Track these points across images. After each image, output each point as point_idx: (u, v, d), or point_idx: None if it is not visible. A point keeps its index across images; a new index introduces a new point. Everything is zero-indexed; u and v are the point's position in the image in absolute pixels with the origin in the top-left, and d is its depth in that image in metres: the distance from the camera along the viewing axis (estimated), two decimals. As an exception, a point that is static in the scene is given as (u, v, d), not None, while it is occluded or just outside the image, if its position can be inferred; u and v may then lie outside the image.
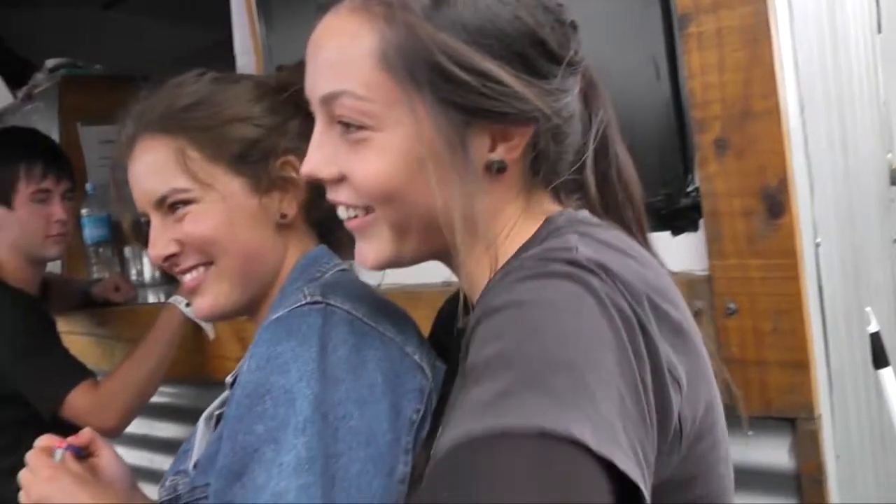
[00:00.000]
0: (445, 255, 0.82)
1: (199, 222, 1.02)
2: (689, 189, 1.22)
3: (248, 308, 1.08)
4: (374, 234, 0.81)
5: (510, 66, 0.74)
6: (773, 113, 1.08)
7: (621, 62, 1.26)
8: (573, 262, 0.67)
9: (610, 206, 0.87)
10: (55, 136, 2.69)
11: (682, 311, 0.73)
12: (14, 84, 2.93)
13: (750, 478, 1.20)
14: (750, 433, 1.21)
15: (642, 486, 0.57)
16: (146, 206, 1.05)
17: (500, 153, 0.77)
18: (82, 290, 2.43)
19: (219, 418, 1.09)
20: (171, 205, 1.03)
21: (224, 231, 1.02)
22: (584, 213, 0.82)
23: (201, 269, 1.04)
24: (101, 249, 2.60)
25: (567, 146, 0.81)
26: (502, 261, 0.77)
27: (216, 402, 1.13)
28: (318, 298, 0.93)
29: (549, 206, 0.83)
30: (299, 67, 1.05)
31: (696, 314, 1.21)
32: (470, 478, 0.54)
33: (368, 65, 0.74)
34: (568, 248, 0.70)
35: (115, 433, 1.89)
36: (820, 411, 1.13)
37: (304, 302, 0.92)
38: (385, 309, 0.98)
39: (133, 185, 1.07)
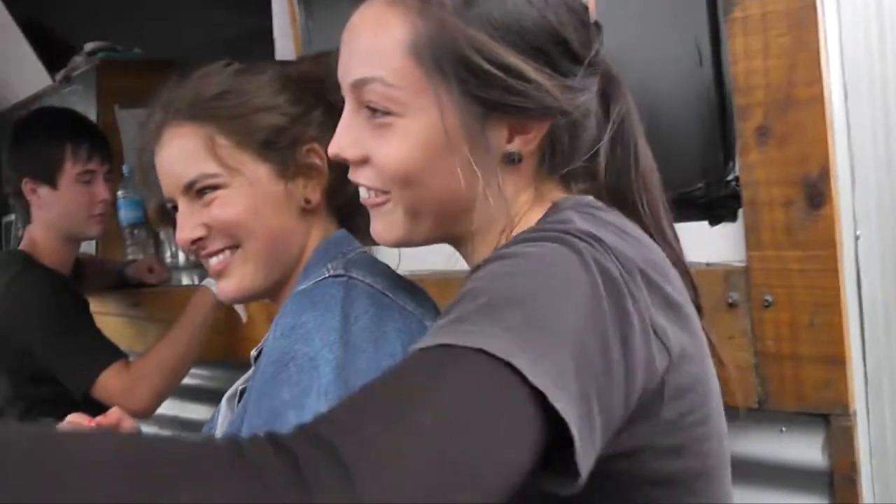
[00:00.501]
0: (456, 240, 0.87)
1: (227, 206, 1.05)
2: (729, 178, 1.19)
3: (272, 290, 1.11)
4: (387, 214, 0.84)
5: (534, 62, 0.77)
6: (817, 100, 1.05)
7: (664, 46, 1.24)
8: (566, 231, 0.71)
9: (626, 196, 0.89)
10: (93, 118, 2.72)
11: (677, 290, 0.76)
12: (53, 67, 2.96)
13: (782, 474, 1.18)
14: (783, 429, 1.19)
15: (573, 427, 0.58)
16: (174, 190, 1.09)
17: (516, 145, 0.81)
18: (116, 271, 2.45)
19: (242, 394, 1.12)
20: (199, 190, 1.06)
21: (251, 215, 1.06)
22: (589, 198, 0.84)
23: (227, 252, 1.07)
24: (135, 231, 2.63)
25: (581, 140, 0.84)
26: None
27: (241, 380, 1.16)
28: (341, 272, 0.98)
29: (558, 194, 0.86)
30: (319, 59, 1.11)
31: (731, 306, 1.19)
32: (404, 376, 0.59)
33: (399, 54, 0.78)
34: (564, 221, 0.74)
35: (145, 414, 1.90)
36: (855, 408, 1.10)
37: (327, 275, 0.97)
38: (404, 285, 1.03)
39: (161, 170, 1.10)
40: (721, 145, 1.19)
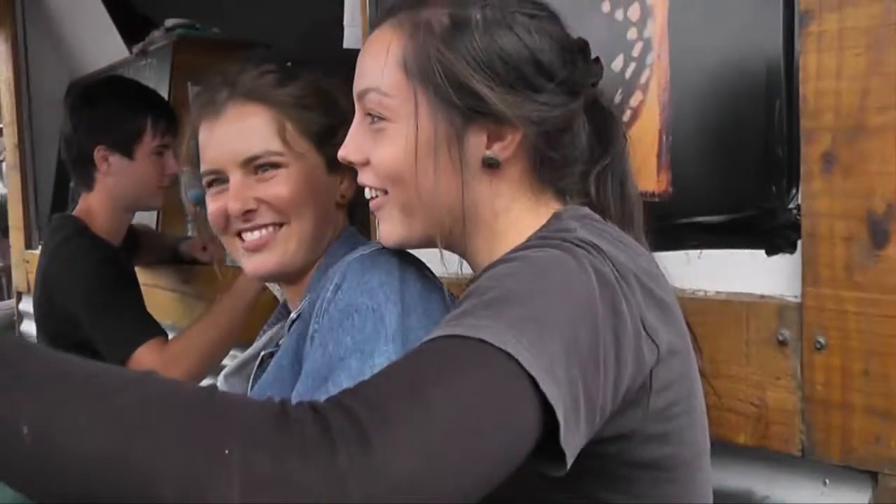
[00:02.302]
0: (454, 243, 0.96)
1: (287, 185, 1.15)
2: (791, 206, 1.11)
3: (299, 273, 1.19)
4: (386, 214, 0.96)
5: (502, 79, 0.88)
6: (889, 129, 0.96)
7: (734, 57, 1.15)
8: (567, 239, 0.81)
9: (613, 217, 0.98)
10: (165, 93, 2.74)
11: (666, 292, 0.85)
12: (131, 40, 2.99)
13: (821, 531, 1.09)
14: (826, 482, 1.10)
15: (558, 409, 0.65)
16: (228, 163, 1.16)
17: (494, 151, 0.91)
18: (172, 246, 2.46)
19: (267, 357, 1.20)
20: (259, 165, 1.15)
21: (304, 197, 1.16)
22: (587, 210, 0.94)
23: (270, 228, 1.16)
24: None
25: (565, 153, 0.94)
26: (511, 246, 0.87)
27: (259, 344, 1.26)
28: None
29: (556, 206, 0.95)
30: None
31: (782, 344, 1.11)
32: (420, 361, 0.66)
33: (393, 68, 0.91)
34: (566, 229, 0.85)
35: None
36: (907, 468, 1.01)
37: (382, 247, 1.04)
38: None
39: (216, 143, 1.18)
40: (786, 169, 1.10)
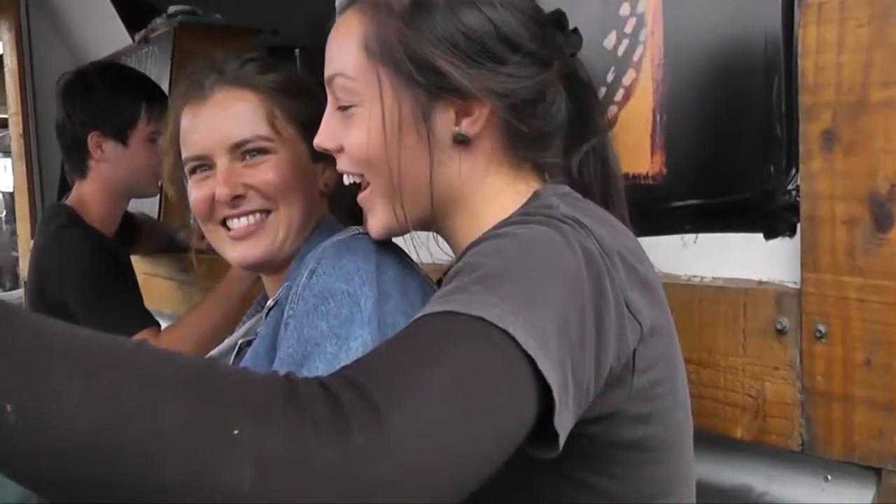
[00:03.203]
0: (436, 225, 0.95)
1: (276, 170, 1.13)
2: (791, 187, 1.05)
3: (283, 262, 1.16)
4: (370, 205, 0.94)
5: (464, 53, 0.86)
6: (893, 105, 0.90)
7: (729, 33, 1.10)
8: (550, 216, 0.80)
9: (595, 197, 0.96)
10: (166, 80, 2.70)
11: (649, 270, 0.84)
12: (135, 28, 2.96)
13: (823, 529, 1.04)
14: (828, 478, 1.05)
15: (555, 389, 0.65)
16: (216, 148, 1.13)
17: (464, 127, 0.89)
18: (170, 235, 2.43)
19: (245, 346, 1.19)
20: (247, 151, 1.13)
21: (293, 183, 1.14)
22: (567, 188, 0.92)
23: (258, 215, 1.13)
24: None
25: (538, 125, 0.91)
26: (491, 224, 0.86)
27: (238, 334, 1.25)
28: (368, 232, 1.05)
29: (536, 184, 0.93)
30: None
31: (780, 333, 1.05)
32: (417, 337, 0.65)
33: (355, 51, 0.89)
34: (548, 205, 0.83)
35: None
36: (912, 463, 0.95)
37: (358, 232, 1.03)
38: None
39: (202, 128, 1.15)
40: (785, 149, 1.05)
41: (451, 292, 0.69)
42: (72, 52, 3.09)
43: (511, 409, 0.64)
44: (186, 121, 1.17)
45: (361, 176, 0.93)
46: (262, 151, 1.13)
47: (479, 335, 0.64)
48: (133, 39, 2.95)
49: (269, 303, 1.13)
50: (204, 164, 1.15)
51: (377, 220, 0.94)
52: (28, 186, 3.06)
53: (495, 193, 0.91)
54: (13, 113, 3.09)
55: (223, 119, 1.13)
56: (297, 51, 2.91)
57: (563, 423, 0.66)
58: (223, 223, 1.15)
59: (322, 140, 0.96)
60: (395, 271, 1.00)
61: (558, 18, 0.94)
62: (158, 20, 2.89)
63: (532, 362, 0.64)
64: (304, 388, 0.57)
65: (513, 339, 0.64)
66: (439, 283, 1.12)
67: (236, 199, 1.12)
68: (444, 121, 0.88)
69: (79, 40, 3.13)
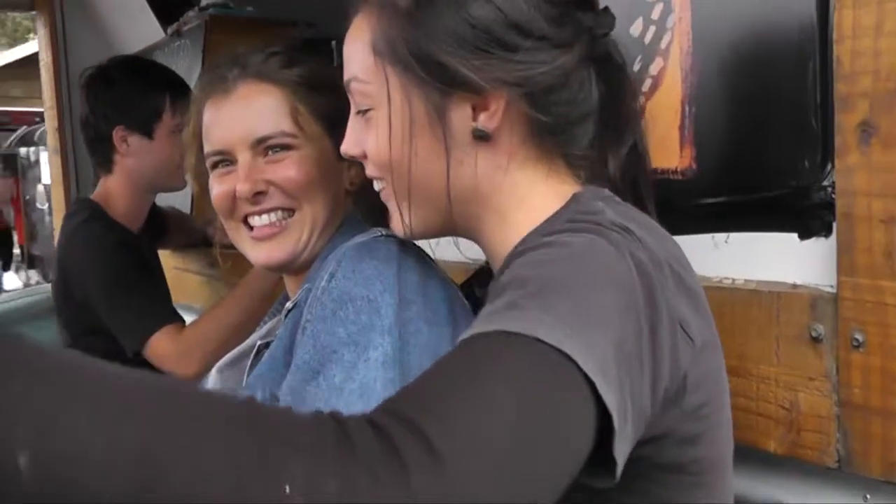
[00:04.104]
0: (466, 229, 0.90)
1: (299, 167, 1.09)
2: (826, 183, 0.97)
3: (306, 263, 1.12)
4: (393, 207, 0.90)
5: (470, 45, 0.81)
6: (938, 93, 0.83)
7: (761, 19, 1.02)
8: (598, 223, 0.75)
9: (628, 188, 0.91)
10: (197, 73, 2.67)
11: (694, 278, 0.79)
12: (168, 21, 2.94)
13: (861, 550, 0.96)
14: (867, 497, 0.98)
15: (615, 415, 0.61)
16: (238, 143, 1.09)
17: (481, 122, 0.83)
18: (199, 229, 2.41)
19: (263, 347, 1.14)
20: (270, 147, 1.09)
21: (317, 181, 1.09)
22: (606, 191, 0.86)
23: (280, 213, 1.10)
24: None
25: (561, 113, 0.85)
26: (527, 228, 0.82)
27: (257, 335, 1.21)
28: (392, 234, 1.00)
29: (571, 185, 0.87)
30: None
31: (815, 340, 0.98)
32: (471, 359, 0.61)
33: (365, 53, 0.86)
34: (594, 211, 0.78)
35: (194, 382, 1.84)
36: (959, 484, 0.88)
37: (380, 234, 1.00)
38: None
39: (224, 122, 1.11)
40: (820, 142, 0.97)
41: (504, 308, 0.65)
42: (106, 46, 3.08)
43: (571, 436, 0.61)
44: (209, 115, 1.14)
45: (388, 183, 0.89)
46: (285, 147, 1.09)
47: (537, 357, 0.61)
48: (165, 33, 2.93)
49: (288, 305, 1.10)
50: (225, 159, 1.12)
51: (401, 224, 0.90)
52: (63, 180, 3.07)
53: (524, 192, 0.86)
54: (48, 107, 3.10)
55: (245, 114, 1.10)
56: (333, 43, 2.87)
57: (622, 450, 0.63)
58: (245, 221, 1.12)
59: (347, 147, 0.92)
60: (417, 275, 0.96)
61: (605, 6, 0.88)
62: (190, 13, 2.87)
63: (591, 385, 0.61)
64: (354, 429, 0.54)
65: (572, 361, 0.60)
66: (466, 284, 1.08)
67: (257, 196, 1.09)
68: (461, 117, 0.84)
69: (113, 34, 3.13)
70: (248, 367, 1.17)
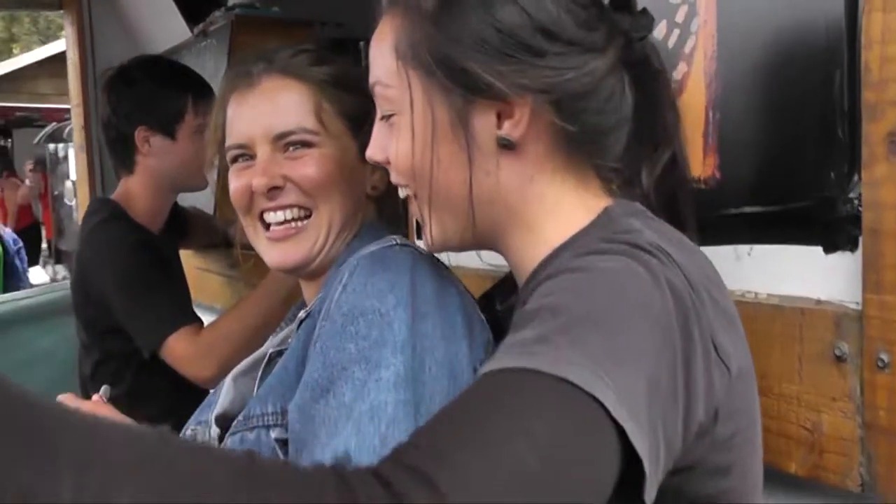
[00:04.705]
0: (492, 240, 0.86)
1: (317, 166, 1.06)
2: (853, 195, 0.93)
3: (322, 268, 1.09)
4: (422, 219, 0.87)
5: (494, 49, 0.78)
6: (972, 102, 0.78)
7: (788, 23, 0.99)
8: (635, 245, 0.71)
9: (664, 202, 0.87)
10: (222, 74, 2.67)
11: (728, 298, 0.77)
12: (195, 21, 2.94)
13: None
14: (892, 524, 0.93)
15: (646, 462, 0.59)
16: (258, 137, 1.07)
17: (506, 130, 0.80)
18: (223, 230, 2.40)
19: (276, 356, 1.11)
20: (291, 143, 1.07)
21: (335, 181, 1.07)
22: (638, 206, 0.82)
23: (296, 210, 1.07)
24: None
25: (591, 122, 0.81)
26: (556, 242, 0.80)
27: (270, 343, 1.18)
28: (407, 243, 1.00)
29: (602, 198, 0.83)
30: None
31: (839, 360, 0.94)
32: (493, 400, 0.59)
33: (390, 56, 0.83)
34: (630, 230, 0.75)
35: (210, 385, 1.81)
36: None
37: (394, 243, 0.98)
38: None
39: (247, 116, 1.09)
40: (847, 152, 0.93)
41: (533, 342, 0.63)
42: (133, 45, 3.09)
43: (596, 483, 0.59)
44: (232, 108, 1.11)
45: (414, 193, 0.87)
46: (306, 144, 1.07)
47: (564, 400, 0.58)
48: (192, 32, 2.94)
49: (301, 314, 1.07)
50: (245, 153, 1.09)
51: (428, 235, 0.87)
52: (89, 177, 3.08)
53: (553, 204, 0.83)
54: (75, 105, 3.12)
55: (268, 108, 1.08)
56: (361, 44, 2.86)
57: (651, 493, 0.62)
58: (261, 218, 1.09)
59: (372, 152, 0.90)
60: (432, 286, 0.92)
61: (643, 8, 0.84)
62: (217, 13, 2.86)
63: (621, 428, 0.59)
64: (359, 483, 0.53)
65: (601, 405, 0.58)
66: (487, 296, 1.05)
67: (273, 191, 1.06)
68: (485, 125, 0.80)
69: (140, 34, 3.14)
70: (259, 377, 1.14)
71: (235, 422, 1.00)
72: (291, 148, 1.07)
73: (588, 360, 0.60)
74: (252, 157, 1.09)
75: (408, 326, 0.87)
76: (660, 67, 0.86)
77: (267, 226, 1.09)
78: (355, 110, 1.09)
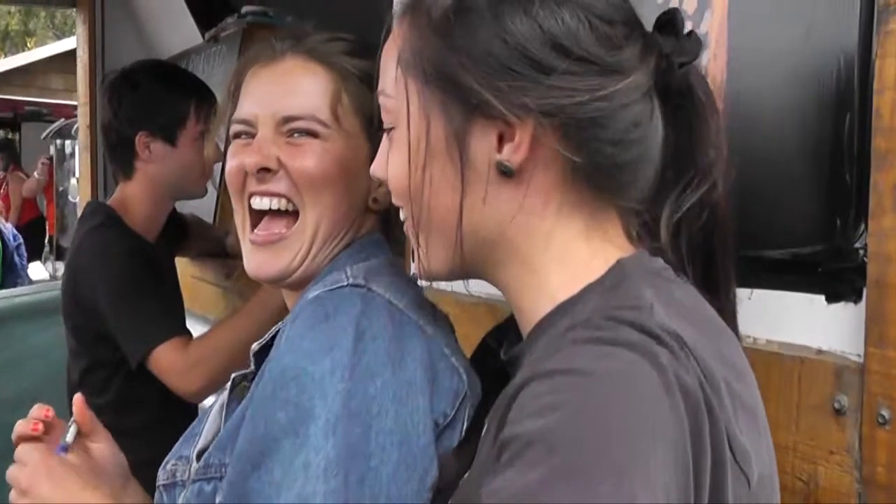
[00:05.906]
0: (488, 276, 0.80)
1: (316, 159, 0.99)
2: (859, 245, 0.91)
3: (303, 278, 1.01)
4: (414, 244, 0.80)
5: (499, 63, 0.72)
6: None
7: (799, 62, 0.96)
8: (644, 330, 0.64)
9: (694, 259, 0.78)
10: (230, 80, 2.66)
11: (751, 389, 0.71)
12: (207, 26, 2.94)
13: None
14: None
15: None
16: (264, 116, 1.00)
17: (506, 154, 0.73)
18: (219, 239, 2.38)
19: (241, 378, 1.05)
20: (296, 129, 1.00)
21: (331, 181, 0.99)
22: (659, 262, 0.75)
23: (283, 200, 1.00)
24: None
25: (608, 156, 0.73)
26: (562, 296, 0.74)
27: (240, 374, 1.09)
28: (361, 282, 0.92)
29: (618, 246, 0.76)
30: None
31: (838, 413, 0.91)
32: None
33: (392, 64, 0.78)
34: (640, 307, 0.67)
35: (196, 399, 1.79)
36: None
37: (345, 283, 0.91)
38: (425, 304, 0.95)
39: (259, 92, 1.03)
40: (854, 199, 0.90)
41: (522, 491, 0.57)
42: (144, 47, 3.10)
43: None
44: (247, 81, 1.05)
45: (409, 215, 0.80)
46: (311, 134, 0.99)
47: None
48: (203, 37, 2.93)
49: (254, 347, 1.01)
50: (247, 130, 1.02)
51: (420, 262, 0.80)
52: (91, 176, 3.09)
53: (560, 247, 0.75)
54: (82, 104, 3.13)
55: (281, 89, 1.01)
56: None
57: None
58: (250, 206, 1.01)
59: (375, 168, 0.84)
60: (385, 339, 0.85)
61: (670, 18, 0.75)
62: (229, 19, 2.86)
63: None
64: None
65: None
66: (499, 332, 0.93)
67: (264, 173, 0.99)
68: (484, 147, 0.73)
69: (151, 36, 3.14)
70: (224, 406, 1.05)
71: (197, 466, 0.94)
72: (296, 134, 1.00)
73: None
74: (253, 136, 1.02)
75: (343, 398, 0.81)
76: (705, 100, 0.77)
77: (253, 221, 1.02)
78: (373, 110, 0.98)
